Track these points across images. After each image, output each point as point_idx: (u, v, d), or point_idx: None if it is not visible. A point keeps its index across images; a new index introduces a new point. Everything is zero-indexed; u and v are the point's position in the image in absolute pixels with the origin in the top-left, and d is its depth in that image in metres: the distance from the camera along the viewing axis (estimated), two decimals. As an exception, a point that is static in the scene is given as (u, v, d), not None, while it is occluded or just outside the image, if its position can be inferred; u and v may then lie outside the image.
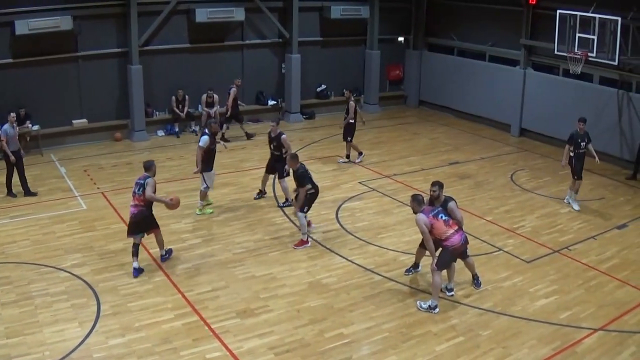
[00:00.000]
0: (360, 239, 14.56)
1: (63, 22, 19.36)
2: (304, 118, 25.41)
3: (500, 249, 14.40)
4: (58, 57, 20.16)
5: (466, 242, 11.73)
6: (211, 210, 15.74)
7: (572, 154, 16.68)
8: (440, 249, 11.56)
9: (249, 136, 22.36)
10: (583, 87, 21.91)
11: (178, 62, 22.45)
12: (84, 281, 12.00)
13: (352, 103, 19.91)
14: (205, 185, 15.43)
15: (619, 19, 18.20)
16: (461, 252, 11.76)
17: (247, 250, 13.73)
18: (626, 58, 19.33)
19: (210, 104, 22.38)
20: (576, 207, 16.91)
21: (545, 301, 12.25)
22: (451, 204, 12.00)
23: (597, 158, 16.68)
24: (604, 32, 18.63)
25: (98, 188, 16.92)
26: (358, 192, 17.46)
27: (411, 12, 27.96)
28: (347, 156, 20.16)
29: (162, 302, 11.37)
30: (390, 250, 14.07)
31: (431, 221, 11.34)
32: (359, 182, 18.22)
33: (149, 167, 12.54)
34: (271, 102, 24.81)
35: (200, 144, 14.98)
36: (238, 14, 22.58)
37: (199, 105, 22.53)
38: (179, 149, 20.66)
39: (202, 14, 21.85)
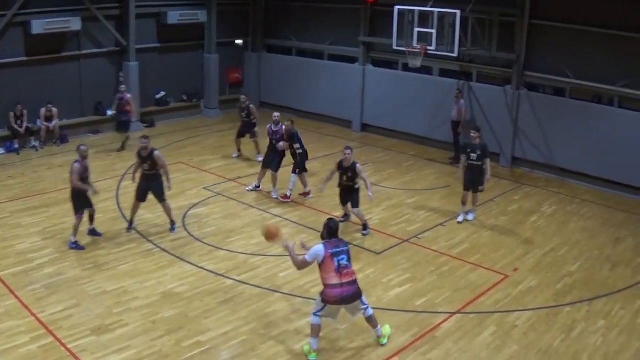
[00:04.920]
0: (209, 245, 14.74)
1: None
2: (144, 126, 24.91)
3: (349, 243, 14.72)
4: None
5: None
6: None
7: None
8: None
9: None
10: (423, 80, 23.02)
11: (15, 76, 21.77)
12: None
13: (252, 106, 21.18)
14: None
15: (458, 11, 18.79)
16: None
17: (95, 265, 13.53)
18: (466, 49, 20.17)
19: (49, 118, 22.02)
20: (470, 217, 16.59)
21: (400, 290, 12.82)
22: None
23: (488, 175, 16.01)
24: (443, 25, 19.12)
25: (-60, 215, 16.25)
26: (203, 198, 17.62)
27: (249, 14, 28.44)
28: (258, 153, 20.99)
29: (16, 325, 11.12)
30: (240, 253, 14.32)
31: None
32: (204, 188, 18.42)
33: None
34: (110, 113, 23.98)
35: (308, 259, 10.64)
36: (74, 24, 22.24)
37: (38, 120, 22.04)
38: (19, 166, 20.08)
39: (39, 26, 21.35)
